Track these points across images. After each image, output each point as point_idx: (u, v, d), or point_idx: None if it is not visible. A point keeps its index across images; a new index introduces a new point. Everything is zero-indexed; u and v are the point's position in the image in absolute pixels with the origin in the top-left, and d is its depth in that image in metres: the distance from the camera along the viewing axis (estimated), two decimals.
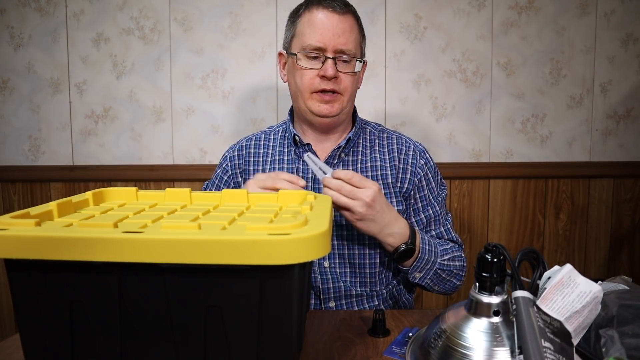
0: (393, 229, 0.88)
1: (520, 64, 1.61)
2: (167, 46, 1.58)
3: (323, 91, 0.95)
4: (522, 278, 0.60)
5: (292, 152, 1.04)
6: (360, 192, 0.82)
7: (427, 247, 0.93)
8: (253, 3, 1.57)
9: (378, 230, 0.87)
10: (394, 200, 1.01)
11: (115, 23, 1.57)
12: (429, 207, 1.03)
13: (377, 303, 1.00)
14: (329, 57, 0.93)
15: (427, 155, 1.07)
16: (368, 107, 1.61)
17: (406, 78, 1.61)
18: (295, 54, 0.96)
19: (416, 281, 0.94)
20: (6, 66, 1.59)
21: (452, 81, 1.61)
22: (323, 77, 0.93)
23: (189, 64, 1.59)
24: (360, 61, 0.99)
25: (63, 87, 1.60)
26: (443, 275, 0.96)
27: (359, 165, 1.03)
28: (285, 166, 1.03)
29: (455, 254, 0.99)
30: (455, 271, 0.98)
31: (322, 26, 0.92)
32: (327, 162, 1.02)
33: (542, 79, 1.61)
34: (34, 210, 0.56)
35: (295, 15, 0.98)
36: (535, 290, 0.60)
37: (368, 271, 1.00)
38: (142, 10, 1.57)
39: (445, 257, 0.96)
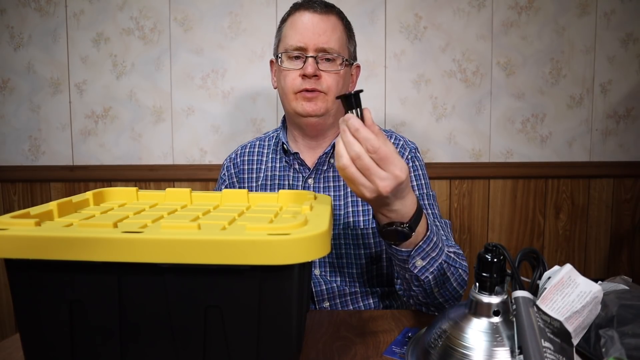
0: (394, 207, 0.69)
1: (520, 64, 1.61)
2: (167, 46, 1.58)
3: (305, 90, 0.94)
4: (522, 278, 0.60)
5: (284, 160, 1.04)
6: (377, 177, 0.63)
7: (435, 229, 0.77)
8: (253, 3, 1.57)
9: (375, 206, 0.70)
10: None
11: (115, 23, 1.57)
12: None
13: (372, 301, 1.00)
14: (310, 56, 0.93)
15: (417, 154, 1.03)
16: (368, 107, 1.60)
17: (406, 78, 1.61)
18: (280, 57, 0.97)
19: (415, 271, 0.76)
20: (6, 66, 1.59)
21: (452, 81, 1.61)
22: (304, 76, 0.94)
23: (189, 64, 1.59)
24: (348, 62, 0.98)
25: (63, 87, 1.60)
26: (447, 274, 0.79)
27: None
28: (278, 173, 1.04)
29: (459, 252, 0.85)
30: (460, 270, 0.82)
31: (303, 26, 0.94)
32: (315, 168, 1.01)
33: (542, 79, 1.61)
34: (34, 210, 0.56)
35: (282, 22, 1.01)
36: (535, 290, 0.59)
37: (357, 275, 0.99)
38: (142, 10, 1.57)
39: (451, 250, 0.82)
